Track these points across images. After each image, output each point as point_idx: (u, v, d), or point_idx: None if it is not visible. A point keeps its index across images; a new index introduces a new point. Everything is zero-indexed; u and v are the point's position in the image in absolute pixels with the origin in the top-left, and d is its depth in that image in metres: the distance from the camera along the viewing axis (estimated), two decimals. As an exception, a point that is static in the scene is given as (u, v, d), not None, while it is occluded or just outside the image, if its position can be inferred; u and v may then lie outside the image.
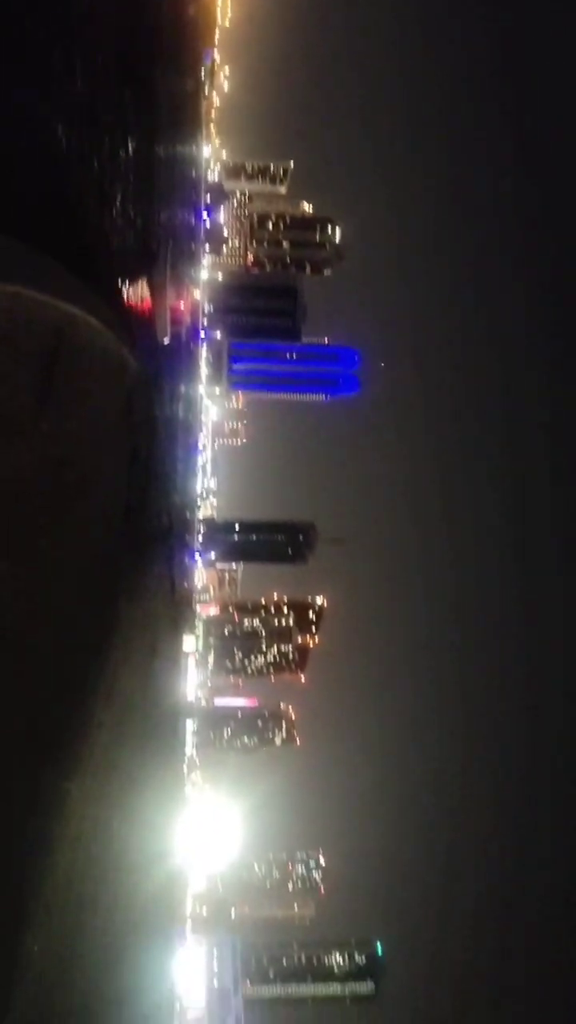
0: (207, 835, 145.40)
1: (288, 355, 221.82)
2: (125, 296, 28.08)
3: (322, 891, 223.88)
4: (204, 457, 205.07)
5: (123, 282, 27.75)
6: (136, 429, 32.12)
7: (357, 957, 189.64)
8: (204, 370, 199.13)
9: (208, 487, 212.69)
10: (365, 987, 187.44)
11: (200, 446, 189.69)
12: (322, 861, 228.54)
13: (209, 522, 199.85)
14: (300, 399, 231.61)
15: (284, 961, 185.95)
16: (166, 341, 50.77)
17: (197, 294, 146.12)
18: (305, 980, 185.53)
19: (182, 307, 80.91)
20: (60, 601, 16.35)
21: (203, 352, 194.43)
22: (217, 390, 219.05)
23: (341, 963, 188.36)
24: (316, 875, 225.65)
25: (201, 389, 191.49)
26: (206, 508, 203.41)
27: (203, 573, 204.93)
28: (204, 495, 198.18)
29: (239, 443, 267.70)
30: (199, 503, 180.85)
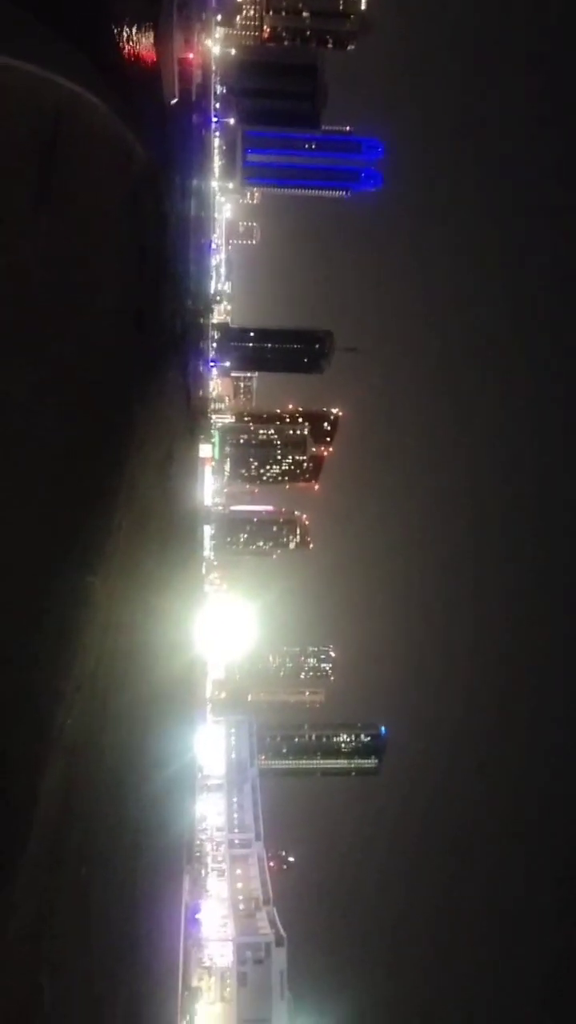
0: (224, 629, 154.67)
1: (307, 145, 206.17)
2: (127, 47, 25.12)
3: (332, 680, 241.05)
4: (218, 259, 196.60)
5: (125, 30, 24.90)
6: (144, 225, 30.56)
7: (362, 737, 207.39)
8: (217, 162, 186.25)
9: (222, 291, 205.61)
10: (369, 763, 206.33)
11: (213, 246, 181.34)
12: (332, 654, 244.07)
13: (223, 328, 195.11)
14: (319, 195, 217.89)
15: (296, 739, 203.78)
16: (174, 101, 46.29)
17: (208, 45, 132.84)
18: (314, 756, 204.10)
19: (191, 59, 73.19)
20: (74, 403, 16.32)
21: (215, 142, 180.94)
22: (231, 184, 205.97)
23: (348, 741, 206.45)
24: (326, 666, 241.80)
25: (214, 184, 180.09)
26: (220, 314, 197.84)
27: (218, 382, 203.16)
28: (218, 299, 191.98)
29: (254, 244, 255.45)
30: (213, 308, 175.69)
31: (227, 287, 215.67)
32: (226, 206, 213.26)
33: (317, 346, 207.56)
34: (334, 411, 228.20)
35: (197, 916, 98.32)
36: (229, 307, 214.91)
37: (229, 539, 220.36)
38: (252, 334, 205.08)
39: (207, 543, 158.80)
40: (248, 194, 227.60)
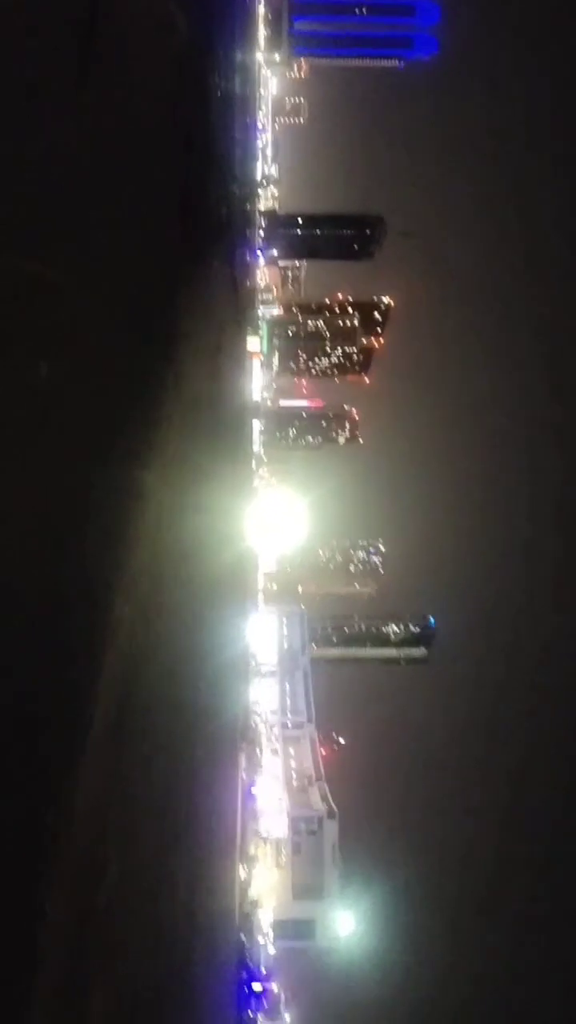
0: (275, 523, 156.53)
1: (357, 10, 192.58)
2: None
3: (381, 573, 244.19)
4: (264, 139, 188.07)
5: None
6: (188, 104, 29.16)
7: (412, 627, 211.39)
8: (262, 32, 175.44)
9: (269, 174, 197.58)
10: (418, 652, 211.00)
11: (259, 126, 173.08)
12: (382, 548, 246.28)
13: (270, 215, 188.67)
14: (370, 65, 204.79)
15: (346, 629, 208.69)
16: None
17: None
18: (364, 645, 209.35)
19: None
20: (120, 293, 16.00)
21: (260, 10, 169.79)
22: (277, 56, 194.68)
23: (397, 632, 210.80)
24: (376, 559, 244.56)
25: (259, 56, 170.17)
26: (267, 199, 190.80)
27: (265, 272, 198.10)
28: (264, 184, 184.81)
29: (301, 122, 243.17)
30: (259, 193, 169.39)
31: (274, 170, 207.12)
32: (272, 81, 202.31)
33: (368, 231, 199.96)
34: (385, 300, 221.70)
35: (253, 790, 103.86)
36: (276, 192, 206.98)
37: (279, 434, 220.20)
38: (300, 220, 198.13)
39: (256, 438, 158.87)
40: (295, 67, 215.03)
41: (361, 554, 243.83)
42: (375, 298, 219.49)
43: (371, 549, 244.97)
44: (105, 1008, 12.94)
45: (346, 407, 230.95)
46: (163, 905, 22.05)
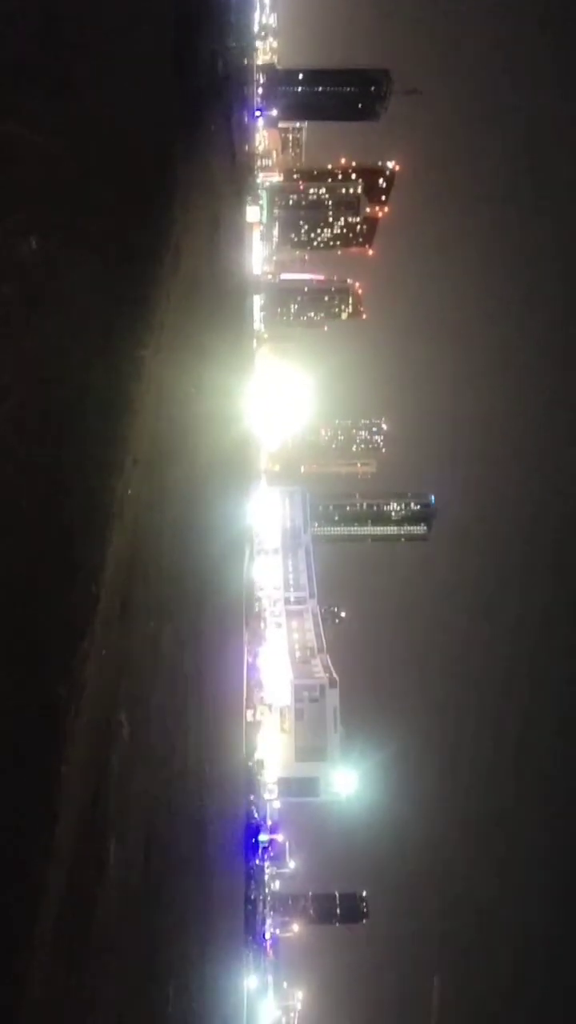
0: (277, 402, 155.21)
1: None
2: None
3: (383, 452, 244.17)
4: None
5: None
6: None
7: (412, 505, 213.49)
8: None
9: (267, 25, 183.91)
10: (418, 529, 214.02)
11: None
12: (384, 427, 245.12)
13: (269, 71, 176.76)
14: None
15: (347, 508, 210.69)
16: None
17: None
18: (365, 523, 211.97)
19: None
20: (110, 160, 15.27)
21: None
22: None
23: (398, 510, 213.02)
24: (378, 438, 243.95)
25: None
26: (265, 52, 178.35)
27: (264, 134, 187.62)
28: (263, 35, 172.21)
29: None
30: (257, 46, 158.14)
31: (272, 20, 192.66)
32: None
33: (373, 88, 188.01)
34: (390, 165, 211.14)
35: (258, 661, 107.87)
36: (275, 44, 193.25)
37: (279, 310, 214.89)
38: (301, 76, 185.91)
39: (257, 315, 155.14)
40: None
41: (363, 433, 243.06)
42: (380, 163, 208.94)
43: (373, 428, 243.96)
44: (121, 858, 13.98)
45: (349, 281, 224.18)
46: (175, 764, 23.38)
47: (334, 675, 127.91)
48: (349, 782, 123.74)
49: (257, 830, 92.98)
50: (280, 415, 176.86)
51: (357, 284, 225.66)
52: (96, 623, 12.17)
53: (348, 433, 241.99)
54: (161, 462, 22.06)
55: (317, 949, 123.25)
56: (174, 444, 25.72)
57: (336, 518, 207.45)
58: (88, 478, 13.54)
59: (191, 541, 33.67)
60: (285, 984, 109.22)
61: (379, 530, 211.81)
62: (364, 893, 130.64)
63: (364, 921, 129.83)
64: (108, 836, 13.37)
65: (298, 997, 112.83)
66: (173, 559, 25.68)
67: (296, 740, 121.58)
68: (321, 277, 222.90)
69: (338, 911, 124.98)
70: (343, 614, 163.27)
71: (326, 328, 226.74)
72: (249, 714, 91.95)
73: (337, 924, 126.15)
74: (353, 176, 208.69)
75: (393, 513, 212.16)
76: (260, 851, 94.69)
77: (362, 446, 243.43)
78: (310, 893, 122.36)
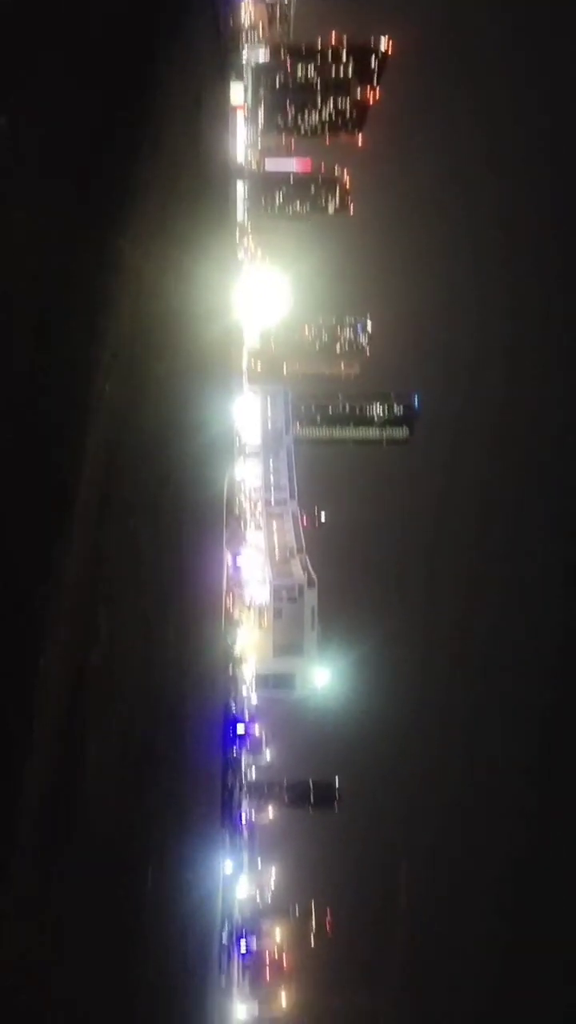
0: (259, 296, 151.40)
1: None
2: None
3: (368, 353, 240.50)
4: None
5: None
6: None
7: (395, 408, 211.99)
8: None
9: None
10: (400, 432, 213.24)
11: None
12: (369, 327, 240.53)
13: None
14: None
15: (329, 409, 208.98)
16: None
17: None
18: (347, 426, 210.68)
19: None
20: (88, 36, 14.19)
21: None
22: None
23: (381, 413, 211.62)
24: (363, 339, 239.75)
25: None
26: None
27: (250, 7, 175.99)
28: None
29: None
30: None
31: None
32: None
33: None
34: (383, 44, 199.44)
35: (238, 561, 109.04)
36: None
37: (264, 201, 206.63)
38: None
39: (240, 205, 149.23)
40: None
41: (348, 332, 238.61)
42: (372, 40, 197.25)
43: (358, 326, 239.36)
44: (101, 751, 14.35)
45: (337, 170, 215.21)
46: (155, 661, 23.80)
47: (312, 575, 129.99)
48: (323, 677, 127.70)
49: (235, 722, 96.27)
50: (263, 310, 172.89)
51: (346, 173, 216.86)
52: (74, 520, 12.04)
53: (332, 332, 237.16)
54: (142, 358, 21.48)
55: (291, 833, 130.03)
56: (156, 340, 25.01)
57: (318, 420, 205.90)
58: (65, 373, 13.10)
59: (173, 439, 33.31)
60: (260, 863, 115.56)
61: (361, 433, 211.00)
62: (337, 781, 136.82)
63: (336, 807, 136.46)
64: (88, 730, 13.66)
65: (272, 874, 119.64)
66: (154, 457, 25.40)
67: (274, 638, 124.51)
68: (308, 166, 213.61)
69: (311, 798, 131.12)
70: (323, 516, 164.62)
71: (312, 222, 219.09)
72: (228, 613, 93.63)
73: (311, 810, 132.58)
74: (343, 56, 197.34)
75: (375, 416, 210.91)
76: (237, 742, 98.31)
77: (346, 347, 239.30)
78: (285, 781, 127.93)
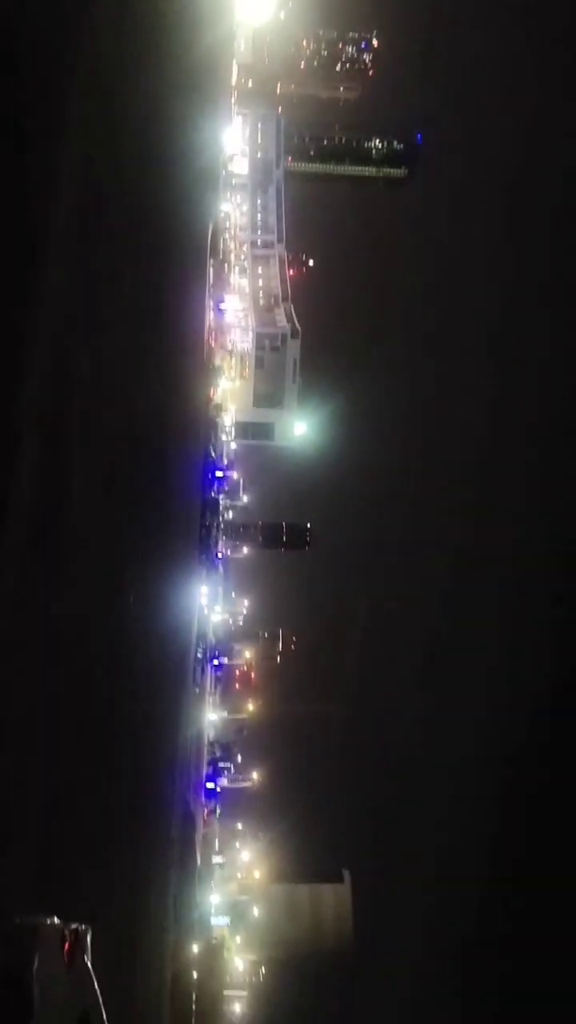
0: None
1: None
2: None
3: (371, 74, 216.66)
4: None
5: None
6: None
7: (395, 144, 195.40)
8: None
9: None
10: (398, 172, 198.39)
11: None
12: (375, 43, 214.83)
13: None
14: None
15: (325, 142, 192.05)
16: None
17: None
18: (343, 161, 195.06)
19: None
20: None
21: None
22: None
23: (380, 147, 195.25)
24: (366, 57, 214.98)
25: None
26: None
27: None
28: None
29: None
30: None
31: None
32: None
33: None
34: None
35: (221, 306, 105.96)
36: None
37: None
38: None
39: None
40: None
41: (351, 49, 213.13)
42: None
43: (363, 43, 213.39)
44: (84, 485, 14.66)
45: None
46: (137, 402, 23.75)
47: (296, 326, 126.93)
48: (302, 430, 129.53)
49: (214, 466, 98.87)
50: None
51: None
52: (49, 244, 11.30)
53: (333, 49, 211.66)
54: (124, 67, 19.12)
55: (263, 570, 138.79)
56: (138, 47, 22.14)
57: (312, 152, 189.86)
58: (36, 85, 11.62)
59: (154, 168, 30.71)
60: (233, 595, 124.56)
61: (357, 170, 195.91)
62: (309, 525, 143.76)
63: (307, 548, 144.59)
64: (72, 465, 13.84)
65: (244, 605, 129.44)
66: (134, 187, 23.54)
67: (255, 387, 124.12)
68: None
69: (284, 539, 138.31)
70: (311, 262, 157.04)
71: None
72: (210, 359, 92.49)
73: (283, 550, 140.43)
74: None
75: (374, 151, 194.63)
76: (215, 485, 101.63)
77: (347, 66, 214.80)
78: (260, 522, 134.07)
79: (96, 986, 7.76)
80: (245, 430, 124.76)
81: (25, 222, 10.69)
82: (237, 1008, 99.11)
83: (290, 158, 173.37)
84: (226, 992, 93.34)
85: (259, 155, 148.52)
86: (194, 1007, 61.99)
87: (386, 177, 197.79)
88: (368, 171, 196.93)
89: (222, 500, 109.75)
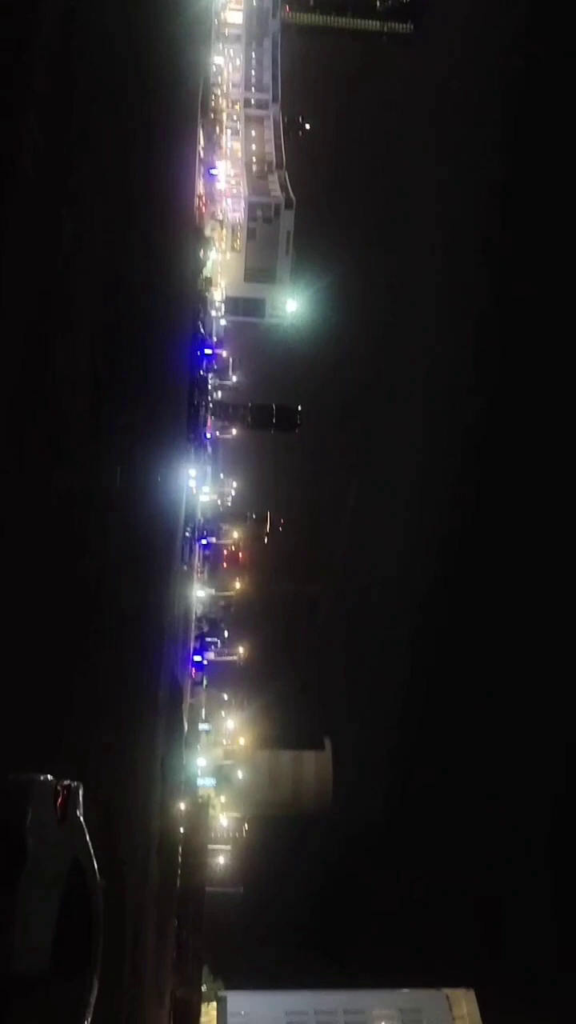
0: None
1: None
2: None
3: None
4: None
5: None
6: None
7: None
8: None
9: None
10: (404, 27, 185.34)
11: None
12: None
13: None
14: None
15: None
16: None
17: None
18: (345, 13, 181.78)
19: None
20: None
21: None
22: None
23: (385, 0, 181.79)
24: None
25: None
26: None
27: None
28: None
29: None
30: None
31: None
32: None
33: None
34: None
35: (211, 171, 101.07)
36: None
37: None
38: None
39: None
40: None
41: None
42: None
43: None
44: (66, 360, 14.37)
45: None
46: (123, 272, 22.89)
47: (291, 195, 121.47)
48: (294, 306, 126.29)
49: (203, 343, 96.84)
50: None
51: None
52: (28, 101, 10.52)
53: None
54: None
55: (252, 451, 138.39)
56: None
57: (312, 2, 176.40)
58: None
59: (143, 16, 28.50)
60: (222, 476, 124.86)
61: (360, 23, 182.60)
62: (299, 407, 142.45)
63: (296, 431, 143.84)
64: (55, 340, 13.46)
65: (232, 486, 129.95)
66: (120, 31, 21.84)
67: (246, 260, 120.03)
68: None
69: (274, 420, 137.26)
70: (308, 125, 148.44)
71: None
72: (200, 229, 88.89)
73: (272, 432, 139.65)
74: None
75: (379, 3, 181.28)
76: (204, 362, 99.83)
77: None
78: (249, 403, 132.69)
79: (87, 837, 8.20)
80: (235, 306, 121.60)
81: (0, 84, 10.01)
82: (221, 860, 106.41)
83: (288, 7, 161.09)
84: (211, 846, 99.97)
85: (254, 2, 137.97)
86: (180, 859, 66.67)
87: (391, 33, 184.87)
88: (372, 25, 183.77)
89: (211, 379, 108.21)
